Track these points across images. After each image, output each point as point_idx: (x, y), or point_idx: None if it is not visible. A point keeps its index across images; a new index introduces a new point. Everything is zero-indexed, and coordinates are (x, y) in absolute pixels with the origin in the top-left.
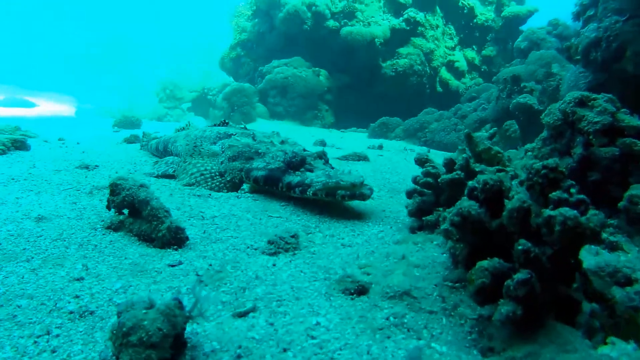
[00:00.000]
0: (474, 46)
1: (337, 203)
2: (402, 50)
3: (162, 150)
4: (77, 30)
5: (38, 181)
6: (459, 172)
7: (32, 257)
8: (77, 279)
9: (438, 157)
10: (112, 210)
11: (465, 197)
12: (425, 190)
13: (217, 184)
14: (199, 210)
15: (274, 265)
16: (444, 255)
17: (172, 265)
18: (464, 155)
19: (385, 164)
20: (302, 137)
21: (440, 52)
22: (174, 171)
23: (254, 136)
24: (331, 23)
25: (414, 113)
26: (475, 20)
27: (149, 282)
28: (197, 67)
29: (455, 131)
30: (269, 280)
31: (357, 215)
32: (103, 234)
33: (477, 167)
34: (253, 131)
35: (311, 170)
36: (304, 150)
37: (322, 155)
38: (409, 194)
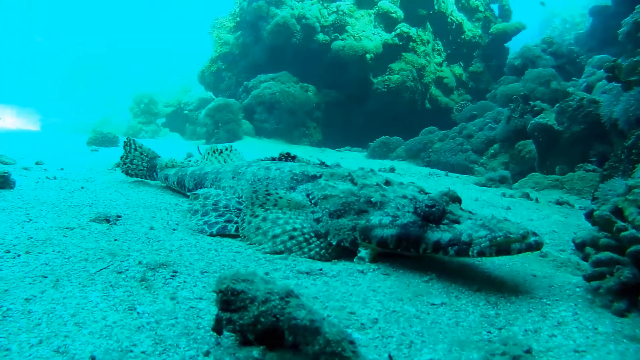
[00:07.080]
0: (460, 62)
1: (461, 264)
2: (394, 65)
3: (189, 187)
4: (46, 39)
5: (46, 256)
6: None
7: None
8: None
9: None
10: (225, 331)
11: None
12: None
13: (317, 250)
14: (338, 307)
15: None
16: None
17: None
18: None
19: None
20: None
21: (430, 68)
22: (236, 228)
23: (352, 179)
24: (321, 37)
25: (406, 131)
26: (463, 36)
27: None
28: (174, 80)
29: (462, 152)
30: None
31: (514, 286)
32: None
33: None
34: (350, 171)
35: (457, 222)
36: (422, 191)
37: (455, 198)
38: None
